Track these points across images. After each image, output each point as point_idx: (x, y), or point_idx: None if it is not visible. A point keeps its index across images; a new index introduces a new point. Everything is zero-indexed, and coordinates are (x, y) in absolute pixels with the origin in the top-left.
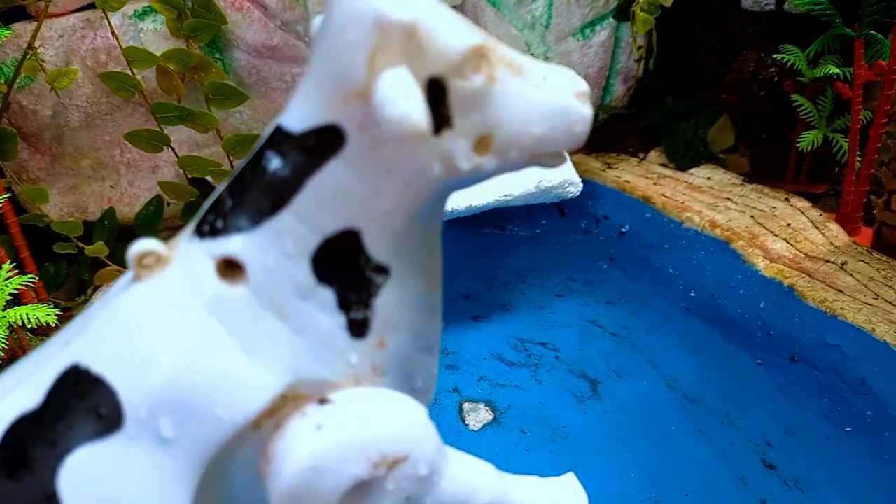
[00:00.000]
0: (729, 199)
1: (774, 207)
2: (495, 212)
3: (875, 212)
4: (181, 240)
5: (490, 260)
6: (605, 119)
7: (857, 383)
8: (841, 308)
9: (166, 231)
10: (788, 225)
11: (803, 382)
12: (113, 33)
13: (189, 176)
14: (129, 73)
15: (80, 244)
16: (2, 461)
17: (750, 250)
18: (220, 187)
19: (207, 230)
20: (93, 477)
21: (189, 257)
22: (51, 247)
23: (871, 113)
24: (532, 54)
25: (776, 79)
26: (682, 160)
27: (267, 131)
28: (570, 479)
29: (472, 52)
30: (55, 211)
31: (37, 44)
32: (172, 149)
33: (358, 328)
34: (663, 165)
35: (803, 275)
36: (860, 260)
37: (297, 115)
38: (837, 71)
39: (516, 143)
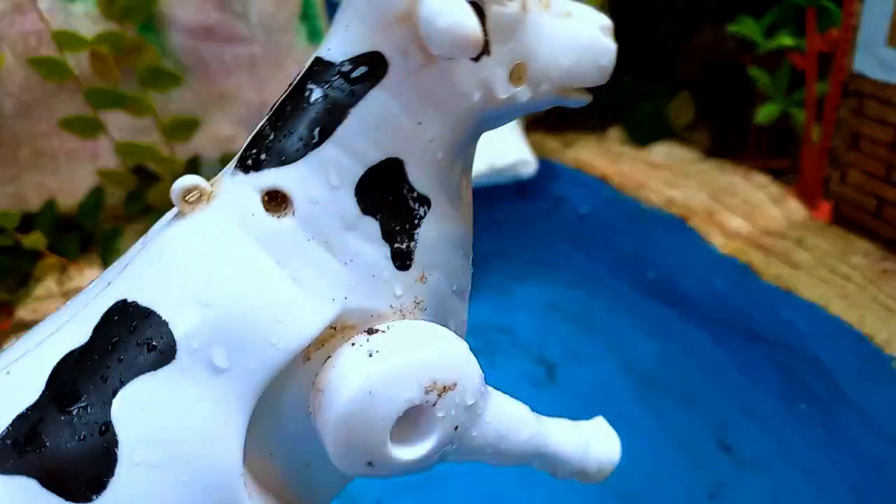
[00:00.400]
0: (687, 175)
1: (733, 183)
2: None
3: (832, 186)
4: (224, 176)
5: None
6: None
7: (811, 360)
8: (796, 284)
9: (110, 221)
10: (746, 201)
11: (759, 361)
12: (41, 17)
13: (128, 163)
14: (59, 58)
15: (19, 236)
16: (53, 398)
17: (707, 228)
18: (261, 122)
19: (251, 164)
20: (147, 408)
21: (233, 191)
22: None
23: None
24: None
25: (734, 52)
26: (642, 137)
27: (306, 64)
28: (600, 422)
29: None
30: None
31: None
32: (110, 135)
33: (402, 259)
34: (623, 143)
35: (760, 251)
36: (818, 235)
37: (338, 46)
38: (791, 42)
39: (547, 75)
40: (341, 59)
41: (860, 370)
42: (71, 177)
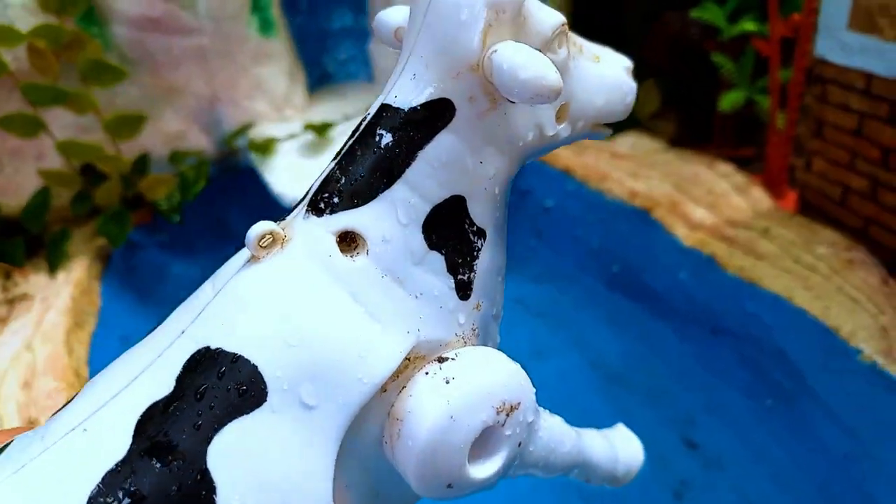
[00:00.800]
0: (652, 166)
1: (697, 173)
2: None
3: (797, 174)
4: (295, 220)
5: None
6: None
7: (776, 353)
8: (760, 276)
9: (58, 223)
10: (711, 191)
11: (725, 355)
12: None
13: (74, 163)
14: None
15: None
16: (145, 451)
17: (670, 219)
18: (328, 167)
19: (323, 207)
20: (242, 453)
21: (308, 234)
22: None
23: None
24: None
25: (698, 38)
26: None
27: (372, 110)
28: (621, 428)
29: (560, 29)
30: None
31: None
32: (53, 134)
33: (464, 290)
34: None
35: (724, 242)
36: (782, 225)
37: (405, 94)
38: (754, 27)
39: (584, 113)
40: (410, 106)
41: (825, 364)
42: (14, 177)
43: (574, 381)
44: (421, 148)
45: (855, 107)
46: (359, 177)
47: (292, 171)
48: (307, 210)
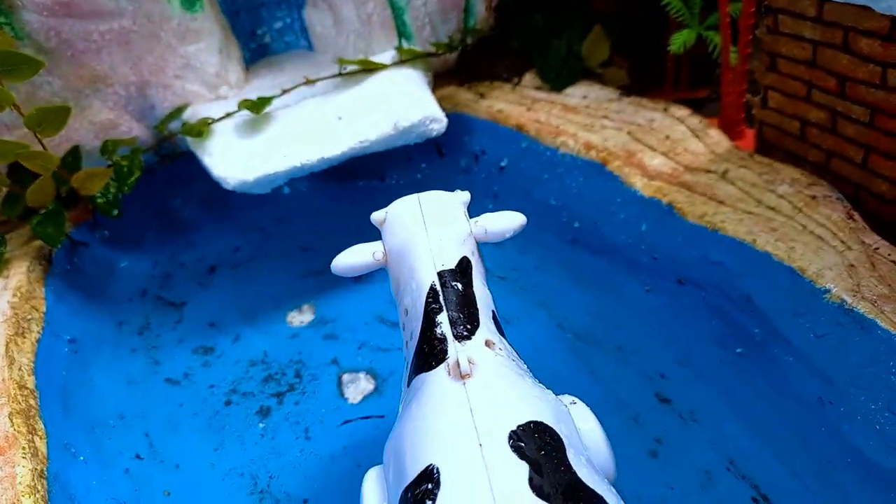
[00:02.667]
0: (605, 116)
1: (652, 120)
2: (373, 162)
3: (754, 112)
4: (463, 348)
5: (369, 217)
6: (473, 45)
7: (743, 300)
8: (721, 221)
9: None
10: (667, 137)
11: (692, 306)
12: None
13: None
14: None
15: None
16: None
17: (627, 170)
18: (445, 316)
19: (466, 334)
20: (594, 477)
21: (481, 353)
22: None
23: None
24: None
25: None
26: (557, 80)
27: (435, 280)
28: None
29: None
30: None
31: None
32: None
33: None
34: (538, 88)
35: (683, 189)
36: (742, 166)
37: (446, 260)
38: None
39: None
40: (453, 266)
41: (793, 307)
42: None
43: (542, 343)
44: (472, 286)
45: (808, 35)
46: (467, 314)
47: (231, 153)
48: (462, 337)
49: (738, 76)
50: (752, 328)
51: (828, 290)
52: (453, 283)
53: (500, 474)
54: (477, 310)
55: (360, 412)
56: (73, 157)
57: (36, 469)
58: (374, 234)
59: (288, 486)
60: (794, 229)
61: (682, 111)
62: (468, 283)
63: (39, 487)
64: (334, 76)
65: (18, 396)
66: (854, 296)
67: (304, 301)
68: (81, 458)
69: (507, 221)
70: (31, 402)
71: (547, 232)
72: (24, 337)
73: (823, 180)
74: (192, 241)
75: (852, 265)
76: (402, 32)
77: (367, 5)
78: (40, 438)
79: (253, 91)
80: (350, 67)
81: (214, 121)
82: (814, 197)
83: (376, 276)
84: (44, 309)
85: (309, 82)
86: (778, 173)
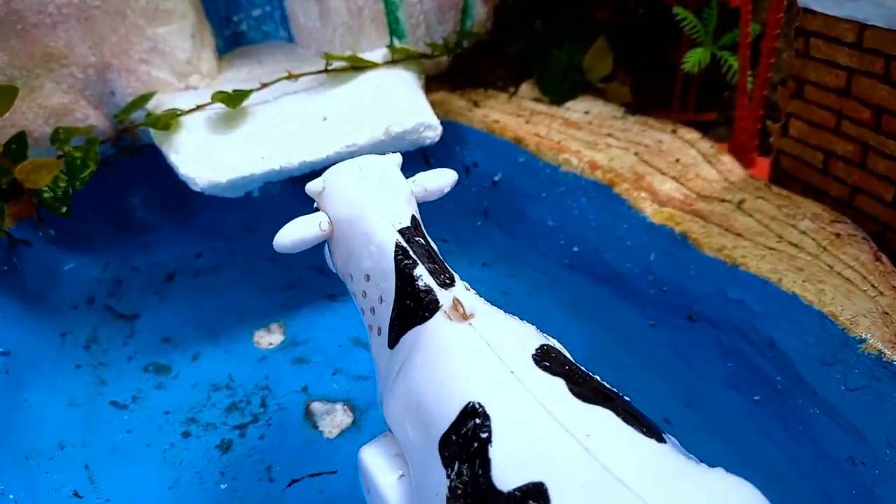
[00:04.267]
0: (610, 134)
1: (661, 141)
2: None
3: (771, 139)
4: (451, 290)
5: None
6: (469, 48)
7: (765, 344)
8: (742, 256)
9: None
10: (677, 161)
11: (704, 345)
12: None
13: None
14: None
15: None
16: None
17: (636, 194)
18: (423, 269)
19: (449, 281)
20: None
21: (466, 295)
22: None
23: (762, 25)
24: None
25: None
26: (557, 93)
27: (399, 238)
28: None
29: None
30: None
31: None
32: None
33: None
34: (536, 100)
35: (697, 218)
36: (759, 196)
37: (401, 219)
38: None
39: None
40: (407, 224)
41: (823, 355)
42: None
43: None
44: (428, 240)
45: (843, 62)
46: (439, 261)
47: (201, 150)
48: (447, 285)
49: (756, 101)
50: (773, 374)
51: (864, 340)
52: (416, 238)
53: (543, 391)
54: (443, 259)
55: (338, 447)
56: (18, 144)
57: None
58: None
59: None
60: (822, 269)
61: (691, 134)
62: (425, 238)
63: None
64: (320, 72)
65: None
66: (892, 347)
67: (272, 319)
68: (11, 496)
69: (442, 178)
70: None
71: (542, 254)
72: None
73: (846, 217)
74: (149, 244)
75: (886, 313)
76: (394, 30)
77: None
78: None
79: (227, 82)
80: (337, 64)
81: (183, 112)
82: (838, 235)
83: (348, 296)
84: None
85: (291, 77)
86: (798, 207)
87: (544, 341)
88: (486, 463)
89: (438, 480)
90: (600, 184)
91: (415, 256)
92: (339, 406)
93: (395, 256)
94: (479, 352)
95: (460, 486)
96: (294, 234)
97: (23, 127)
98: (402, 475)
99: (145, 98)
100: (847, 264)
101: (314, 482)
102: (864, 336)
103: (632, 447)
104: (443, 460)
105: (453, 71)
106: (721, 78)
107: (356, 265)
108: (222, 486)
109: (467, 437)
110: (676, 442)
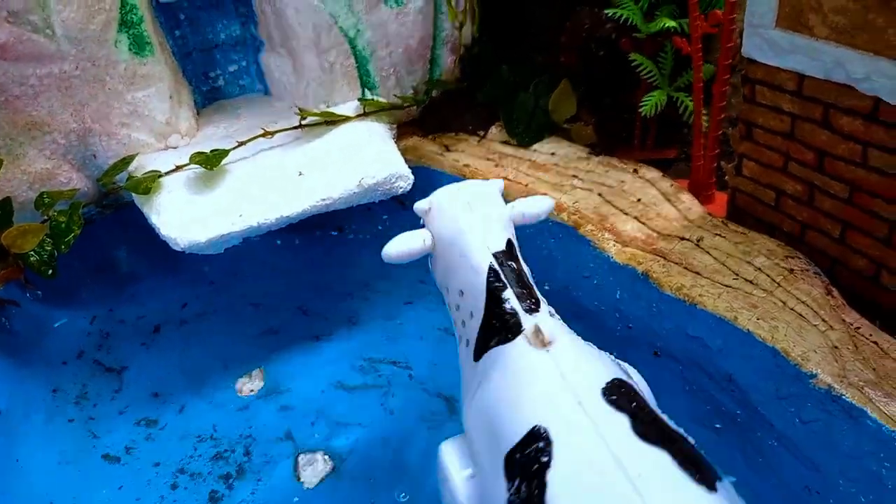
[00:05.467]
0: (575, 175)
1: (623, 181)
2: (331, 213)
3: (727, 178)
4: (534, 317)
5: (330, 268)
6: (438, 96)
7: (724, 379)
8: (699, 295)
9: None
10: (639, 200)
11: (668, 379)
12: None
13: None
14: None
15: None
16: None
17: (600, 234)
18: (510, 292)
19: (534, 307)
20: None
21: (549, 322)
22: None
23: (715, 66)
24: (340, 27)
25: (614, 36)
26: (524, 134)
27: (493, 261)
28: None
29: None
30: None
31: None
32: None
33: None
34: (505, 142)
35: (658, 258)
36: (716, 234)
37: (496, 243)
38: (674, 24)
39: None
40: (502, 248)
41: (777, 390)
42: None
43: None
44: (521, 265)
45: (786, 108)
46: (528, 287)
47: (182, 211)
48: (532, 310)
49: (710, 141)
50: (732, 408)
51: (814, 375)
52: (508, 263)
53: (606, 425)
54: (533, 286)
55: (317, 498)
56: (4, 210)
57: None
58: (331, 284)
59: None
60: (775, 306)
61: (652, 173)
62: (518, 262)
63: None
64: (294, 128)
65: None
66: (841, 381)
67: (254, 365)
68: None
69: (539, 205)
70: None
71: None
72: None
73: (799, 252)
74: (136, 296)
75: (836, 347)
76: (365, 83)
77: (329, 53)
78: None
79: (205, 139)
80: (311, 119)
81: (163, 175)
82: (791, 270)
83: (338, 332)
84: None
85: (267, 135)
86: (753, 243)
87: (618, 375)
88: (542, 485)
89: (500, 491)
90: (566, 225)
91: (505, 280)
92: (319, 455)
93: (488, 278)
94: (552, 379)
95: (517, 501)
96: (400, 246)
97: (7, 193)
98: (473, 475)
99: (126, 161)
100: (799, 299)
101: None
102: (814, 371)
103: (678, 492)
104: (506, 474)
105: (424, 117)
106: (679, 116)
107: (453, 281)
108: None
109: (530, 458)
110: (731, 489)
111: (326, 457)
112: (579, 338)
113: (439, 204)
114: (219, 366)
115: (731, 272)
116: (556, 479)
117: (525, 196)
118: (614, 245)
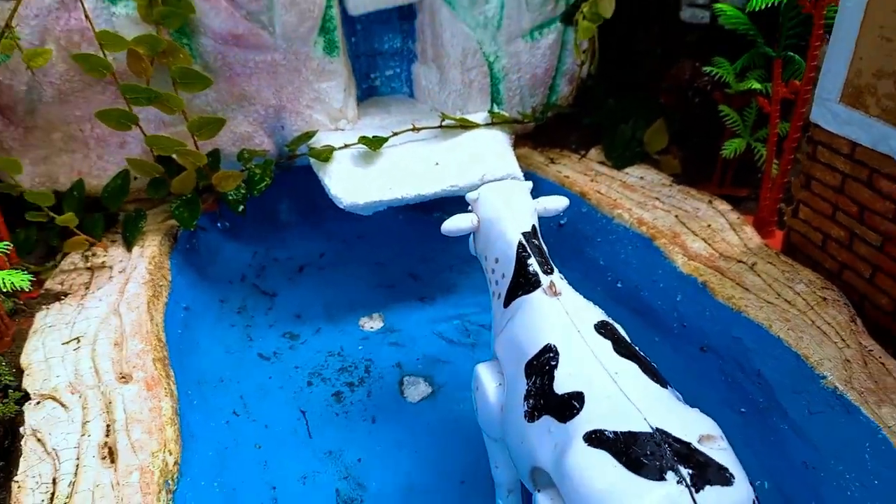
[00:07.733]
0: (657, 198)
1: (698, 209)
2: (444, 198)
3: (785, 218)
4: (545, 276)
5: (438, 244)
6: (551, 117)
7: (754, 373)
8: (745, 305)
9: (133, 203)
10: (708, 226)
11: (709, 370)
12: (86, 16)
13: (155, 154)
14: (100, 55)
15: (52, 213)
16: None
17: (671, 247)
18: (533, 260)
19: (549, 270)
20: None
21: (559, 280)
22: (22, 214)
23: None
24: (483, 53)
25: (709, 88)
26: (619, 159)
27: (522, 238)
28: None
29: None
30: (27, 181)
31: (13, 23)
32: (140, 128)
33: None
34: (601, 163)
35: (716, 273)
36: (768, 262)
37: (525, 226)
38: (759, 86)
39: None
40: (528, 230)
41: (794, 385)
42: (98, 161)
43: None
44: (541, 242)
45: (840, 167)
46: (545, 257)
47: (347, 177)
48: (546, 272)
49: (777, 186)
50: (757, 397)
51: (825, 377)
52: (532, 240)
53: (596, 345)
54: (549, 257)
55: (417, 409)
56: (214, 158)
57: (172, 406)
58: (437, 257)
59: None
60: (805, 322)
61: (724, 206)
62: (539, 240)
63: (175, 420)
64: (436, 127)
65: (157, 346)
66: (846, 385)
67: (374, 310)
68: (196, 404)
69: (558, 202)
70: (164, 353)
71: (592, 286)
72: (158, 299)
73: (835, 286)
74: (287, 241)
75: (848, 360)
76: (495, 98)
77: (471, 71)
78: (172, 383)
79: (365, 127)
80: (449, 122)
81: (335, 149)
82: (825, 299)
83: (439, 296)
84: (170, 278)
85: (415, 129)
86: (798, 273)
87: (605, 319)
88: (551, 377)
89: (521, 387)
90: (644, 236)
91: (530, 251)
92: (421, 380)
93: (518, 250)
94: (560, 316)
95: (533, 389)
96: (455, 223)
97: (218, 146)
98: (501, 385)
99: (309, 135)
100: (826, 321)
101: (397, 429)
102: (825, 374)
103: (642, 385)
104: (526, 375)
105: (537, 132)
106: (754, 163)
107: (491, 251)
108: (336, 422)
109: (542, 362)
110: (676, 392)
111: (427, 382)
112: (580, 294)
113: (485, 195)
114: (346, 304)
115: (775, 292)
116: (561, 374)
117: (611, 209)
118: (682, 257)
